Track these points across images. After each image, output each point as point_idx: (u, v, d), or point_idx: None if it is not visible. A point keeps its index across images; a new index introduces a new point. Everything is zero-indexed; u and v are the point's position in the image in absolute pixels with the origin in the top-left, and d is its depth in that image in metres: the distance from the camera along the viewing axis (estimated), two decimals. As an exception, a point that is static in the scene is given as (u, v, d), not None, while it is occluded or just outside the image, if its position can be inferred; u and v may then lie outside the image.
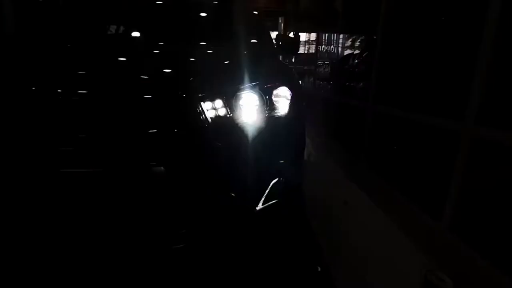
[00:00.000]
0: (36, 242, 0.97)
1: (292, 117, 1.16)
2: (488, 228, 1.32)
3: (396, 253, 1.59)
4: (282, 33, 6.85)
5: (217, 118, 1.00)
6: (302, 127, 1.29)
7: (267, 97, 1.12)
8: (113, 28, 1.79)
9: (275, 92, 1.15)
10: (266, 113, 1.10)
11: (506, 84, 1.26)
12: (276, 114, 1.13)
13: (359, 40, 4.41)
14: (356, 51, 4.24)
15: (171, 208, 0.96)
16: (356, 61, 3.27)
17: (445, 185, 1.46)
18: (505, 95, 1.26)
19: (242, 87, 1.06)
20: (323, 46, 5.53)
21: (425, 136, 1.82)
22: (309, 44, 7.33)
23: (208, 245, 1.01)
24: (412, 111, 1.81)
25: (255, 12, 2.05)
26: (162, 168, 0.91)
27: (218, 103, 1.01)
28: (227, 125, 1.01)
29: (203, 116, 0.97)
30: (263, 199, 1.07)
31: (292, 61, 6.04)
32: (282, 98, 1.16)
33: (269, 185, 1.08)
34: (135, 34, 1.71)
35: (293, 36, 3.79)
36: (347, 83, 3.45)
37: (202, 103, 0.97)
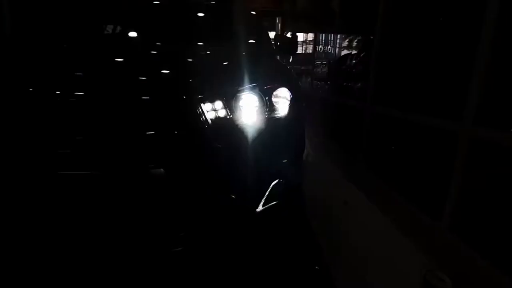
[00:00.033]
0: (33, 245, 0.96)
1: (292, 118, 1.16)
2: (488, 228, 1.33)
3: (395, 253, 1.59)
4: (279, 33, 6.86)
5: (217, 119, 0.99)
6: (302, 127, 1.28)
7: (267, 98, 1.11)
8: (112, 29, 1.77)
9: (275, 93, 1.14)
10: (266, 114, 1.10)
11: (504, 85, 1.26)
12: (276, 115, 1.13)
13: (356, 41, 4.42)
14: (354, 51, 4.26)
15: (170, 210, 0.95)
16: (354, 61, 3.27)
17: (444, 185, 1.47)
18: (504, 96, 1.27)
19: (242, 88, 1.06)
20: (320, 46, 5.54)
21: (424, 136, 1.83)
22: (306, 44, 7.34)
23: (208, 247, 1.00)
24: (410, 112, 1.81)
25: (254, 13, 2.04)
26: (161, 170, 0.90)
27: (218, 104, 1.00)
28: (227, 126, 1.00)
29: (203, 117, 0.96)
30: (263, 200, 1.06)
31: (289, 61, 6.04)
32: (282, 99, 1.16)
33: (270, 186, 1.08)
34: (134, 35, 1.69)
35: (290, 37, 3.79)
36: (344, 84, 3.46)
37: (201, 104, 0.97)
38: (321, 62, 4.87)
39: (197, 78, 1.05)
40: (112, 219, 0.95)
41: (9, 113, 0.91)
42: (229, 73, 1.12)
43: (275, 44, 2.02)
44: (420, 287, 1.33)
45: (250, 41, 1.74)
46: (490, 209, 1.34)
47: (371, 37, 3.30)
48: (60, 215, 0.94)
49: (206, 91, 0.99)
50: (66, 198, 0.92)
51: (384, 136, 2.30)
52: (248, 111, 1.05)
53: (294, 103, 1.18)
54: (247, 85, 1.06)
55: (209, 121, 0.97)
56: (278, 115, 1.13)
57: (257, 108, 1.07)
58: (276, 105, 1.14)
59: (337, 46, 4.60)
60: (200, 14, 1.90)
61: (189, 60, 1.23)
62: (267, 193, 1.07)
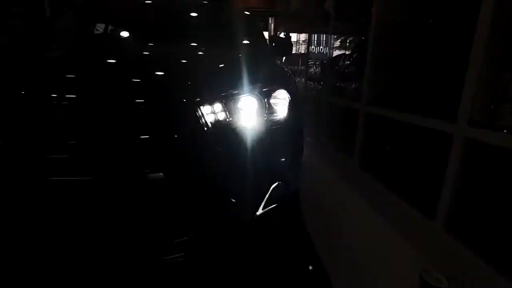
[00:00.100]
0: (25, 252, 0.93)
1: (291, 119, 1.15)
2: (482, 227, 1.35)
3: (391, 252, 1.61)
4: (272, 33, 6.86)
5: (216, 122, 0.97)
6: (301, 129, 1.28)
7: (266, 100, 1.10)
8: (106, 30, 1.73)
9: (273, 95, 1.14)
10: (265, 117, 1.09)
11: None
12: (275, 117, 1.12)
13: (348, 41, 4.46)
14: (345, 52, 4.29)
15: (169, 216, 0.93)
16: (346, 62, 3.29)
17: (438, 184, 1.49)
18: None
19: (240, 90, 1.04)
20: (312, 47, 5.57)
21: (418, 136, 1.85)
22: (299, 45, 7.37)
23: (210, 252, 0.98)
24: (404, 112, 1.83)
25: (250, 14, 2.03)
26: (161, 174, 0.87)
27: (217, 107, 0.98)
28: (227, 130, 0.98)
29: (202, 120, 0.94)
30: (263, 204, 1.06)
31: (282, 61, 6.05)
32: (281, 101, 1.15)
33: (270, 189, 1.07)
34: (131, 37, 1.65)
35: (284, 37, 3.80)
36: (337, 84, 3.48)
37: (200, 107, 0.95)
38: (315, 62, 4.89)
39: (195, 80, 1.03)
40: (108, 226, 0.92)
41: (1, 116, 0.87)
42: (228, 75, 1.11)
43: (270, 44, 2.01)
44: (416, 286, 1.35)
45: (247, 42, 1.73)
46: (484, 208, 1.36)
47: (362, 38, 3.34)
48: (52, 222, 0.90)
49: (205, 94, 0.97)
50: (58, 205, 0.89)
51: (378, 136, 2.32)
52: (248, 114, 1.04)
53: (293, 104, 1.17)
54: (246, 87, 1.05)
55: (209, 124, 0.95)
56: (278, 117, 1.13)
57: (256, 110, 1.06)
58: (275, 107, 1.13)
59: (330, 46, 4.62)
60: (197, 16, 1.88)
61: (186, 62, 1.21)
62: (267, 196, 1.06)
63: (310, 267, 1.46)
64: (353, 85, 2.84)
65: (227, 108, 1.00)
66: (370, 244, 1.69)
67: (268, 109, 1.11)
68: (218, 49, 1.48)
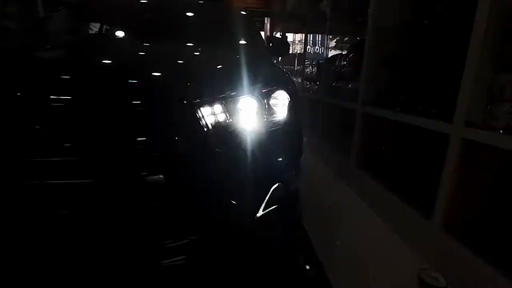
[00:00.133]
0: (19, 257, 0.90)
1: (291, 120, 1.15)
2: (480, 227, 1.37)
3: (389, 252, 1.62)
4: (268, 33, 6.86)
5: (217, 124, 0.97)
6: (300, 130, 1.28)
7: (265, 102, 1.10)
8: (104, 31, 1.71)
9: (273, 96, 1.13)
10: (265, 118, 1.08)
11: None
12: (275, 118, 1.12)
13: (344, 41, 4.47)
14: (340, 52, 4.30)
15: (169, 218, 0.92)
16: (344, 62, 3.30)
17: (435, 184, 1.50)
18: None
19: (240, 91, 1.04)
20: (308, 47, 5.59)
21: (415, 136, 1.87)
22: (294, 45, 7.39)
23: (210, 254, 0.97)
24: (402, 112, 1.84)
25: (247, 14, 2.03)
26: (161, 176, 0.86)
27: (217, 108, 0.98)
28: (227, 131, 0.98)
29: (203, 122, 0.93)
30: (263, 205, 1.05)
31: (278, 61, 6.06)
32: (281, 102, 1.15)
33: (270, 190, 1.07)
34: (128, 37, 1.63)
35: (280, 37, 3.80)
36: (334, 84, 3.49)
37: (201, 108, 0.94)
38: (311, 62, 4.91)
39: (195, 81, 1.02)
40: (106, 230, 0.91)
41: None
42: (227, 76, 1.10)
43: (267, 45, 2.01)
44: (415, 286, 1.36)
45: (245, 42, 1.72)
46: (481, 207, 1.38)
47: (358, 38, 3.36)
48: (47, 226, 0.88)
49: (205, 95, 0.96)
50: (53, 209, 0.87)
51: (375, 136, 2.33)
52: (248, 115, 1.04)
53: (292, 105, 1.17)
54: (245, 88, 1.05)
55: (209, 125, 0.95)
56: (278, 118, 1.12)
57: (256, 111, 1.06)
58: (275, 108, 1.13)
59: (326, 46, 4.64)
60: (196, 16, 1.86)
61: (185, 63, 1.19)
62: (267, 197, 1.06)
63: (309, 267, 1.47)
64: (350, 85, 2.85)
65: (227, 110, 1.00)
66: (368, 244, 1.70)
67: (268, 110, 1.10)
68: (217, 50, 1.48)
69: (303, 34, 6.76)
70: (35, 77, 0.93)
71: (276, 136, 1.10)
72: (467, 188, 1.39)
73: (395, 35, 2.16)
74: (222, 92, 1.01)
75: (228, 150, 0.97)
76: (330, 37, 3.87)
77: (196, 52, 1.37)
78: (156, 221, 0.92)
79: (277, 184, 1.09)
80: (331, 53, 4.17)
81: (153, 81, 1.01)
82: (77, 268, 0.88)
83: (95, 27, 1.72)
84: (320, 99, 3.58)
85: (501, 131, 1.22)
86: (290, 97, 1.17)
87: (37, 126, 0.83)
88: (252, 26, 1.97)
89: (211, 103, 0.97)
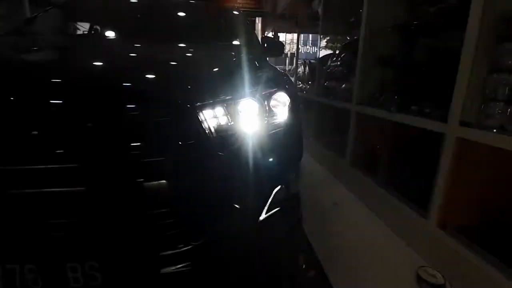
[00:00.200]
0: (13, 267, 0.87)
1: (291, 122, 1.15)
2: (476, 224, 1.40)
3: (387, 251, 1.64)
4: (260, 33, 6.86)
5: (219, 127, 0.95)
6: (300, 131, 1.28)
7: (266, 103, 1.10)
8: (97, 32, 1.66)
9: (274, 97, 1.13)
10: (266, 120, 1.08)
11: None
12: (276, 120, 1.11)
13: (336, 41, 4.50)
14: (331, 51, 4.33)
15: (172, 224, 0.90)
16: (337, 62, 3.32)
17: (431, 183, 1.53)
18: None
19: (241, 93, 1.03)
20: (300, 46, 5.61)
21: (410, 136, 1.90)
22: (286, 45, 7.40)
23: (214, 259, 0.96)
24: (395, 112, 1.87)
25: (243, 14, 2.02)
26: (164, 181, 0.85)
27: (219, 111, 0.96)
28: (229, 134, 0.97)
29: (205, 125, 0.92)
30: (266, 208, 1.05)
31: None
32: (281, 104, 1.15)
33: (272, 193, 1.07)
34: (122, 39, 1.59)
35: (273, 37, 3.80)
36: (326, 83, 3.51)
37: (202, 111, 0.93)
38: (303, 61, 4.92)
39: (196, 84, 1.00)
40: (104, 238, 0.88)
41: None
42: (227, 78, 1.09)
43: (262, 45, 2.00)
44: (414, 283, 1.38)
45: (243, 44, 1.71)
46: (476, 204, 1.41)
47: (350, 38, 3.39)
48: (41, 236, 0.85)
49: (206, 98, 0.95)
50: (45, 217, 0.83)
51: (370, 135, 2.36)
52: (249, 118, 1.03)
53: (292, 107, 1.17)
54: (246, 90, 1.04)
55: (211, 129, 0.93)
56: (279, 120, 1.12)
57: (258, 114, 1.05)
58: (276, 110, 1.12)
59: (318, 46, 4.67)
60: (193, 18, 1.84)
61: (185, 65, 1.17)
62: (269, 200, 1.06)
63: (308, 268, 1.47)
64: (343, 85, 2.87)
65: (228, 112, 0.99)
66: (365, 243, 1.72)
67: (269, 112, 1.10)
68: (215, 51, 1.46)
69: (293, 34, 6.79)
70: (26, 81, 0.89)
71: (278, 138, 1.09)
72: (462, 186, 1.42)
73: (388, 35, 2.19)
74: (223, 94, 1.00)
75: (231, 153, 0.96)
76: (321, 37, 3.88)
77: (195, 54, 1.36)
78: (159, 227, 0.89)
79: (279, 187, 1.09)
80: (322, 52, 4.18)
81: (151, 84, 0.98)
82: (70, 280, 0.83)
83: (90, 28, 1.68)
84: (313, 99, 3.60)
85: (495, 130, 1.25)
86: (290, 98, 1.17)
87: (35, 132, 0.80)
88: (248, 27, 1.96)
89: (212, 106, 0.96)
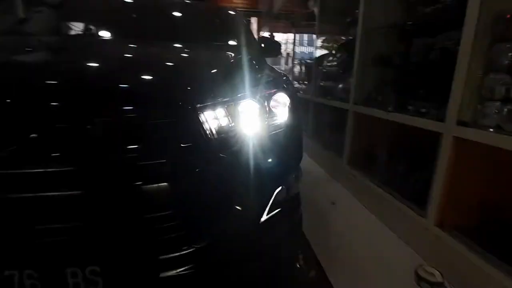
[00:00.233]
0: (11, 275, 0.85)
1: (292, 122, 1.15)
2: (474, 223, 1.42)
3: (386, 250, 1.65)
4: (256, 33, 6.84)
5: (220, 128, 0.94)
6: (301, 131, 1.28)
7: (266, 104, 1.09)
8: (93, 32, 1.64)
9: (274, 98, 1.13)
10: (267, 121, 1.07)
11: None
12: (276, 121, 1.11)
13: (329, 41, 4.49)
14: (333, 52, 4.34)
15: (174, 227, 0.89)
16: (333, 62, 3.33)
17: (429, 182, 1.54)
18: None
19: (242, 94, 1.02)
20: (296, 46, 5.61)
21: (408, 135, 1.91)
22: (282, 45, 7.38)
23: (217, 263, 0.95)
24: (393, 112, 1.88)
25: (241, 15, 2.01)
26: (166, 184, 0.84)
27: (220, 112, 0.96)
28: (231, 135, 0.96)
29: (206, 126, 0.91)
30: (267, 209, 1.05)
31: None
32: (281, 104, 1.15)
33: (273, 194, 1.06)
34: (122, 39, 1.57)
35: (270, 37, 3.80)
36: (322, 83, 3.52)
37: (204, 113, 0.92)
38: (300, 61, 4.93)
39: (196, 85, 0.99)
40: (103, 243, 0.86)
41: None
42: (228, 78, 1.08)
43: (259, 45, 2.00)
44: (413, 281, 1.40)
45: (242, 44, 1.71)
46: (475, 205, 1.43)
47: (346, 38, 3.40)
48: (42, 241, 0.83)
49: (207, 99, 0.94)
50: (43, 222, 0.81)
51: (368, 135, 2.37)
52: (250, 119, 1.02)
53: (292, 107, 1.17)
54: (247, 91, 1.03)
55: (213, 130, 0.92)
56: (279, 120, 1.12)
57: (258, 115, 1.05)
58: (276, 111, 1.12)
59: (315, 46, 4.66)
60: (191, 18, 1.82)
61: (185, 66, 1.16)
62: (271, 201, 1.05)
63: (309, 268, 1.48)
64: (340, 85, 2.88)
65: (229, 113, 0.98)
66: (364, 242, 1.73)
67: (269, 113, 1.10)
68: (215, 52, 1.45)
69: (289, 34, 6.79)
70: (21, 83, 0.86)
71: (278, 139, 1.09)
72: (460, 184, 1.43)
73: (385, 35, 2.20)
74: (224, 95, 0.99)
75: (232, 155, 0.96)
76: (316, 37, 3.89)
77: (194, 54, 1.34)
78: (161, 231, 0.88)
79: (280, 188, 1.09)
80: (318, 52, 4.18)
81: (152, 86, 0.97)
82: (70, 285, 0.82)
83: (87, 28, 1.65)
84: (311, 99, 3.61)
85: (491, 130, 1.26)
86: (290, 99, 1.17)
87: (32, 135, 0.78)
88: (247, 27, 1.96)
89: (213, 107, 0.95)
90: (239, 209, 0.98)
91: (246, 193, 1.00)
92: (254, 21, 7.00)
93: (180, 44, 1.45)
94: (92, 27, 1.69)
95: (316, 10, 3.44)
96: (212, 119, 0.95)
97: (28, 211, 0.79)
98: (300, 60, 5.07)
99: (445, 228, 1.47)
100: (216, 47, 1.59)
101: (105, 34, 1.66)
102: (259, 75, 1.20)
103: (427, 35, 1.81)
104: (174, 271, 0.89)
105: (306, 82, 4.52)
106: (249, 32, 1.89)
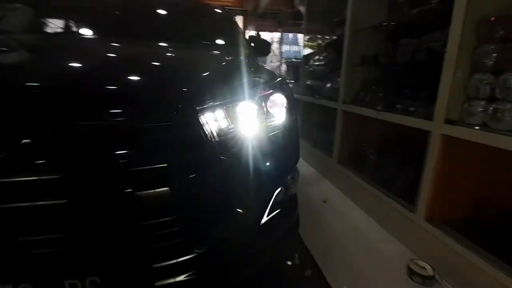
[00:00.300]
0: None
1: (289, 123, 1.15)
2: (462, 217, 1.47)
3: (378, 246, 1.69)
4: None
5: (220, 130, 0.93)
6: (297, 132, 1.28)
7: (264, 105, 1.09)
8: (80, 31, 1.56)
9: (271, 99, 1.12)
10: (265, 122, 1.07)
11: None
12: (274, 122, 1.11)
13: (320, 41, 4.53)
14: (312, 50, 4.39)
15: (174, 232, 0.86)
16: (321, 62, 3.36)
17: (418, 178, 1.59)
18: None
19: (240, 96, 1.01)
20: (282, 45, 5.64)
21: (396, 133, 1.96)
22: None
23: (219, 266, 0.94)
24: (382, 111, 1.93)
25: (231, 14, 1.98)
26: (167, 188, 0.81)
27: (219, 114, 0.94)
28: (230, 137, 0.95)
29: (206, 129, 0.89)
30: (267, 210, 1.04)
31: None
32: (278, 105, 1.14)
33: (273, 195, 1.06)
34: (105, 37, 1.51)
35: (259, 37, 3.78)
36: (308, 82, 3.55)
37: (203, 115, 0.90)
38: (286, 60, 4.95)
39: (194, 87, 0.97)
40: (101, 252, 0.83)
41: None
42: (225, 80, 1.06)
43: (249, 45, 1.98)
44: (405, 275, 1.44)
45: (233, 44, 1.68)
46: (463, 199, 1.49)
47: (327, 38, 3.45)
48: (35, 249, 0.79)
49: (206, 101, 0.92)
50: (34, 233, 0.77)
51: (357, 134, 2.42)
52: (249, 120, 1.01)
53: (289, 108, 1.17)
54: (245, 92, 1.02)
55: (213, 132, 0.91)
56: (277, 121, 1.11)
57: (257, 116, 1.04)
58: (273, 112, 1.12)
59: (297, 45, 4.71)
60: (187, 19, 1.78)
61: (182, 68, 1.13)
62: (271, 202, 1.05)
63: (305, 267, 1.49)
64: (328, 84, 2.91)
65: (228, 115, 0.96)
66: (356, 239, 1.76)
67: (267, 114, 1.09)
68: (210, 53, 1.43)
69: (274, 33, 6.81)
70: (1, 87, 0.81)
71: (277, 140, 1.09)
72: (448, 180, 1.48)
73: (372, 35, 2.24)
74: (223, 97, 0.98)
75: (232, 157, 0.94)
76: (304, 35, 3.92)
77: (190, 56, 1.31)
78: (162, 237, 0.86)
79: (279, 189, 1.09)
80: (305, 51, 4.22)
81: (146, 87, 0.94)
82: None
83: (70, 28, 1.57)
84: (299, 98, 3.63)
85: (477, 128, 1.32)
86: (286, 99, 1.17)
87: (24, 141, 0.73)
88: (237, 26, 1.94)
89: (213, 109, 0.93)
90: (240, 212, 0.97)
91: (247, 195, 0.99)
92: (239, 20, 6.96)
93: (170, 44, 1.42)
94: (73, 24, 1.62)
95: (303, 9, 3.46)
96: (212, 121, 0.94)
97: (22, 221, 0.75)
98: (287, 59, 5.10)
99: (435, 223, 1.52)
100: (208, 47, 1.57)
101: (96, 34, 1.57)
102: (255, 76, 1.19)
103: (413, 36, 1.87)
104: (176, 278, 0.87)
105: (293, 81, 4.55)
106: (239, 31, 1.87)
